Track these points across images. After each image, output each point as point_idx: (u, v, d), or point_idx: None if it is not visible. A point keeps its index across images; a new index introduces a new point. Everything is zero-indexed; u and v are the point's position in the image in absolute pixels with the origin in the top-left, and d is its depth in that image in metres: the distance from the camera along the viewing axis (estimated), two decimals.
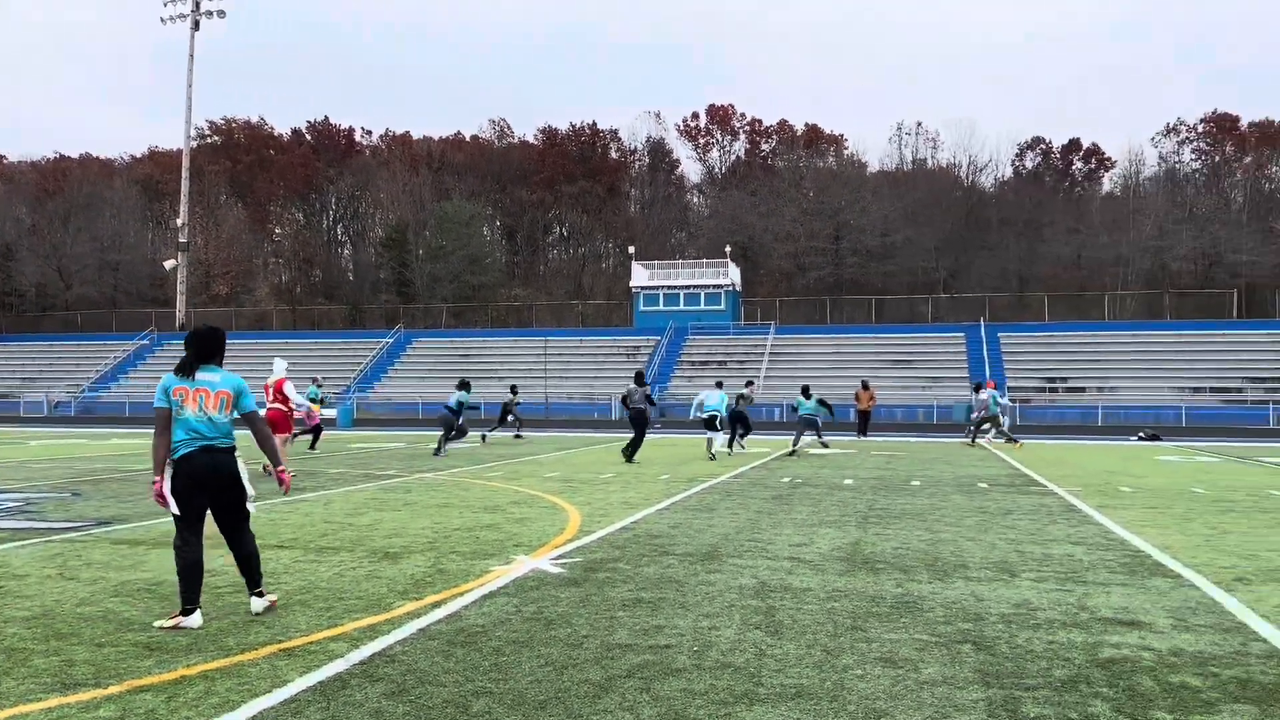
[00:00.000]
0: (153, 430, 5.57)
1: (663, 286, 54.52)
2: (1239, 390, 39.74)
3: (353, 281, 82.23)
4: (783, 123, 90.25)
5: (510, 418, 26.83)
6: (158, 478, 5.47)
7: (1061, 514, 10.31)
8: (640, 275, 55.33)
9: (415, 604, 5.83)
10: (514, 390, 28.28)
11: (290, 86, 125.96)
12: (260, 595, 5.61)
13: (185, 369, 5.49)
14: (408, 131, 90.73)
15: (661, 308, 53.85)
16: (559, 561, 7.25)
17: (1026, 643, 4.97)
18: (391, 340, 53.84)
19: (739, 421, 21.38)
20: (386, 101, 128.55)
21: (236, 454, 5.55)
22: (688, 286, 54.15)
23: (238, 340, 54.69)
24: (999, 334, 47.04)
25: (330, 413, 32.84)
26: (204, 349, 5.57)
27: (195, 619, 5.32)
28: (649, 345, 50.06)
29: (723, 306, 53.61)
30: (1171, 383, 40.39)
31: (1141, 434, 29.26)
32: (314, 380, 24.08)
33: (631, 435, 18.19)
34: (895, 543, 8.23)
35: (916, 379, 43.37)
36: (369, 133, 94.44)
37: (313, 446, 21.65)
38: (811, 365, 45.49)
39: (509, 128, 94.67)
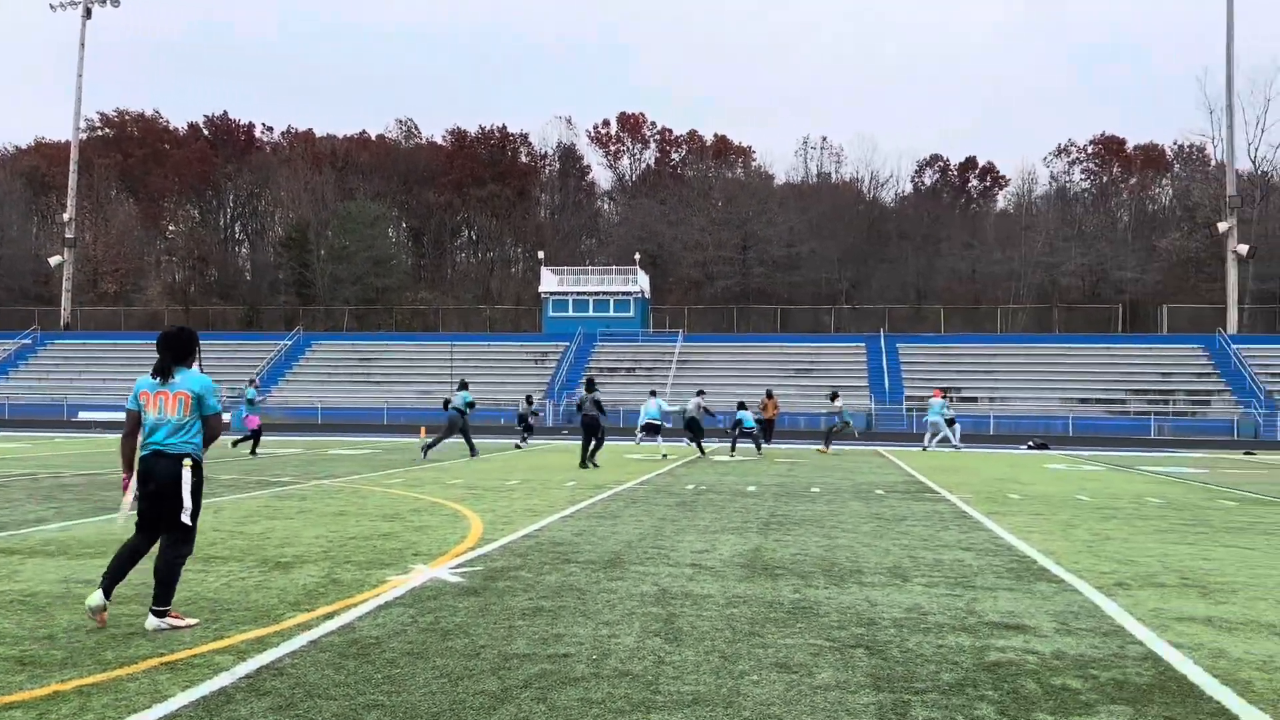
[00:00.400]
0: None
1: (572, 292, 54.43)
2: (1122, 402, 41.63)
3: (250, 281, 79.89)
4: (692, 133, 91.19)
5: (524, 424, 27.72)
6: (125, 474, 5.57)
7: (953, 520, 10.62)
8: (549, 281, 55.15)
9: (306, 615, 5.67)
10: (529, 400, 29.32)
11: (187, 80, 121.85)
12: (159, 615, 5.30)
13: (157, 372, 5.50)
14: (310, 129, 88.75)
15: (571, 314, 53.76)
16: (458, 570, 7.14)
17: (917, 646, 5.09)
18: (290, 343, 52.46)
19: (694, 429, 23.59)
20: (289, 98, 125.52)
21: (185, 462, 5.39)
22: (597, 293, 54.19)
23: (126, 341, 52.58)
24: (898, 345, 48.30)
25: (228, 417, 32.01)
26: (175, 351, 5.54)
27: (94, 597, 5.29)
28: (557, 351, 49.89)
29: (632, 313, 53.80)
30: (1060, 394, 42.08)
31: (1031, 443, 30.39)
32: (250, 382, 23.60)
33: (582, 442, 19.35)
34: (794, 549, 8.36)
35: (819, 388, 44.17)
36: (270, 129, 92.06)
37: (253, 452, 21.22)
38: (718, 373, 45.94)
39: (416, 128, 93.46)
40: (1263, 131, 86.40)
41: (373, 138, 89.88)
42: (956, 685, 4.42)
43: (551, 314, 54.42)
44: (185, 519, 5.35)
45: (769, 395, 30.44)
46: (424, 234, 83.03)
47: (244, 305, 70.77)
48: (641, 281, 55.25)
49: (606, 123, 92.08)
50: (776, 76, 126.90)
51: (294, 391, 46.76)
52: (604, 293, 54.09)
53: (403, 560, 7.57)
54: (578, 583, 6.70)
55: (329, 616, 5.63)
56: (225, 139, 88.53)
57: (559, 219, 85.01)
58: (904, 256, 73.23)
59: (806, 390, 43.63)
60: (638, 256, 58.59)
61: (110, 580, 5.35)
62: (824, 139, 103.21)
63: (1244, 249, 49.89)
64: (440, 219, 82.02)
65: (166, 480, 5.33)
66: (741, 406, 25.32)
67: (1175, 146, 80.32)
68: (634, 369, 47.96)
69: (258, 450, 21.31)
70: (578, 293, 54.35)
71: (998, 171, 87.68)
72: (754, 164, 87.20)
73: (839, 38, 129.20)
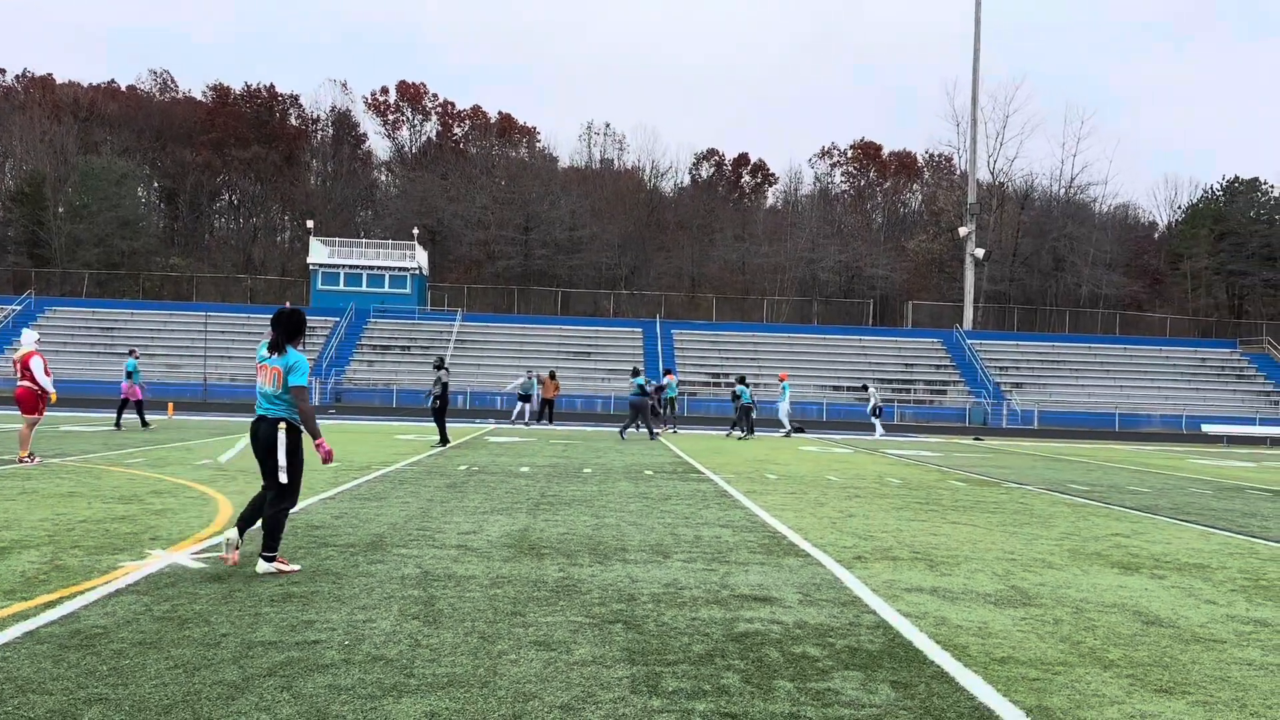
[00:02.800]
0: None
1: (344, 266, 52.37)
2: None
3: None
4: (476, 108, 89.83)
5: (664, 408, 27.93)
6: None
7: (714, 499, 11.06)
8: (320, 252, 52.76)
9: (23, 604, 5.14)
10: (742, 380, 29.19)
11: None
12: (268, 560, 6.12)
13: (271, 347, 6.24)
14: (50, 74, 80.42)
15: (342, 288, 51.70)
16: (201, 556, 6.69)
17: (672, 620, 5.25)
18: (18, 308, 47.43)
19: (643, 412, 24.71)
20: (25, 37, 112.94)
21: (280, 426, 6.15)
22: (371, 267, 52.40)
23: None
24: (673, 330, 49.76)
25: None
26: (284, 329, 6.26)
27: (230, 533, 6.26)
28: (326, 326, 47.84)
29: (408, 290, 52.42)
30: (816, 381, 44.80)
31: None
32: (130, 352, 22.55)
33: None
34: (563, 528, 8.42)
35: (597, 370, 44.84)
36: (1, 71, 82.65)
37: (145, 424, 21.60)
38: (498, 354, 45.64)
39: (173, 80, 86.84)
40: (1001, 145, 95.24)
41: (123, 89, 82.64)
42: (706, 656, 4.60)
43: (321, 287, 52.11)
44: (282, 478, 6.13)
45: (551, 376, 30.75)
46: (179, 195, 77.13)
47: None
48: (419, 258, 53.90)
49: (385, 90, 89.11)
50: (563, 60, 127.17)
51: None
52: (379, 267, 52.37)
53: (139, 545, 7.01)
54: (334, 567, 6.45)
55: (50, 605, 5.14)
56: None
57: (331, 187, 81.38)
58: (680, 245, 75.49)
59: (586, 373, 44.14)
60: (416, 231, 57.09)
61: (243, 522, 6.31)
62: (607, 125, 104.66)
63: (981, 253, 54.98)
64: (197, 180, 76.48)
65: (265, 442, 6.16)
66: (742, 380, 26.95)
67: (926, 155, 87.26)
68: (409, 348, 46.78)
69: (123, 423, 21.53)
70: (350, 266, 52.33)
71: (768, 169, 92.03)
72: (538, 145, 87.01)
73: (623, 27, 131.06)
